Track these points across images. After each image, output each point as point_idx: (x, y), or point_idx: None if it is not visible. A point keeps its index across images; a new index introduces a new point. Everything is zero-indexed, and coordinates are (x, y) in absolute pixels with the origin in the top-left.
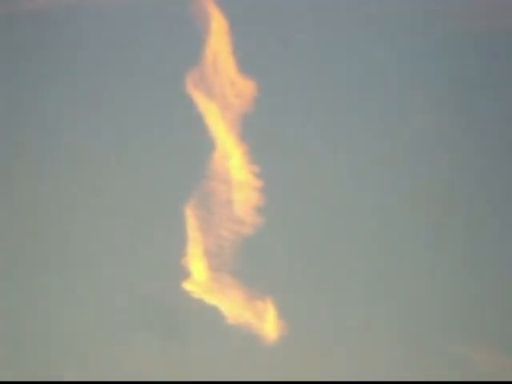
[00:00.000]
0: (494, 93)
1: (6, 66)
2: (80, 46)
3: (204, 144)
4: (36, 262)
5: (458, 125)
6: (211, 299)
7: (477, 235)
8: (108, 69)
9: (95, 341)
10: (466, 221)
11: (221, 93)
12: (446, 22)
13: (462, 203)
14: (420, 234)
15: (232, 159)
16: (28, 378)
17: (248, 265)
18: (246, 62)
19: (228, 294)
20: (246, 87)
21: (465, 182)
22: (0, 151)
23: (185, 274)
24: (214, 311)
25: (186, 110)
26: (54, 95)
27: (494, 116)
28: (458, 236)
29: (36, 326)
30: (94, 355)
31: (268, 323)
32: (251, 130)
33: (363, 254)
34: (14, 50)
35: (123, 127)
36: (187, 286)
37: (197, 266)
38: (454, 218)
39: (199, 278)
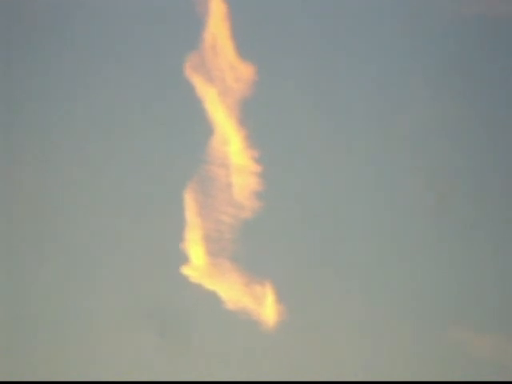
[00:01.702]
0: (495, 81)
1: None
2: (77, 30)
3: (203, 128)
4: (35, 248)
5: (460, 115)
6: (210, 284)
7: (478, 223)
8: (105, 54)
9: (94, 327)
10: (467, 209)
11: (220, 77)
12: (446, 9)
13: (463, 194)
14: (421, 220)
15: (231, 144)
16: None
17: (247, 249)
18: (246, 47)
19: (227, 278)
20: (245, 71)
21: (466, 177)
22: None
23: (183, 259)
24: (212, 296)
25: (184, 94)
26: (52, 77)
27: (497, 105)
28: (459, 223)
29: (35, 319)
30: (93, 339)
31: (267, 308)
32: (251, 115)
33: (363, 239)
34: (14, 47)
35: (121, 112)
36: (186, 270)
37: (195, 250)
38: (454, 207)
39: (198, 263)
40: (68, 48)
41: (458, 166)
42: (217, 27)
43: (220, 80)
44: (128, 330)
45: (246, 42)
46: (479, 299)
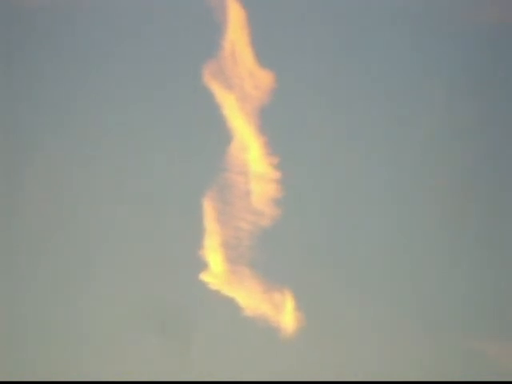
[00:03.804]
0: (506, 89)
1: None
2: (96, 38)
3: (222, 135)
4: (50, 258)
5: (471, 120)
6: (228, 291)
7: (494, 232)
8: (126, 60)
9: (111, 331)
10: (484, 218)
11: (239, 84)
12: (458, 17)
13: (479, 202)
14: (437, 225)
15: (250, 151)
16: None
17: (266, 256)
18: (265, 53)
19: (245, 285)
20: (264, 78)
21: (481, 184)
22: (10, 147)
23: (202, 266)
24: (231, 303)
25: (204, 101)
26: (71, 83)
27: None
28: (475, 232)
29: (49, 320)
30: (109, 344)
31: (285, 315)
32: (269, 122)
33: (381, 246)
34: (30, 46)
35: (141, 119)
36: (205, 277)
37: (214, 257)
38: (471, 211)
39: (217, 270)
40: (86, 55)
41: (472, 174)
42: (236, 35)
43: (239, 87)
44: (145, 334)
45: (264, 50)
46: (493, 307)
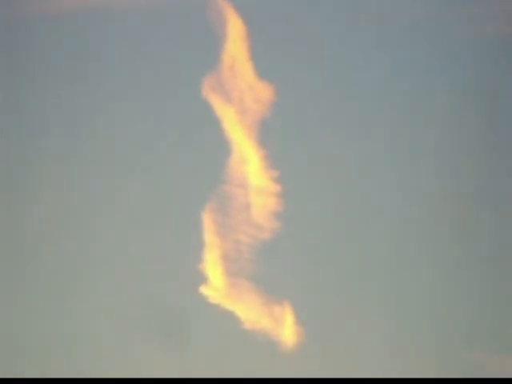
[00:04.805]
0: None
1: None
2: (97, 51)
3: (222, 149)
4: (51, 270)
5: (473, 129)
6: (228, 304)
7: (496, 243)
8: (125, 74)
9: (111, 345)
10: (490, 226)
11: (239, 97)
12: (467, 26)
13: (485, 215)
14: (442, 240)
15: (250, 164)
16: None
17: (266, 270)
18: (264, 67)
19: (245, 299)
20: (264, 92)
21: (488, 194)
22: (15, 156)
23: (202, 279)
24: (231, 316)
25: (203, 114)
26: (68, 99)
27: None
28: (482, 246)
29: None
30: (109, 357)
31: (285, 328)
32: (269, 135)
33: (382, 260)
34: (30, 54)
35: (140, 132)
36: (204, 290)
37: (214, 270)
38: (477, 223)
39: (216, 283)
40: (86, 65)
41: (480, 182)
42: (235, 48)
43: (239, 100)
44: (144, 348)
45: (264, 63)
46: (495, 320)
